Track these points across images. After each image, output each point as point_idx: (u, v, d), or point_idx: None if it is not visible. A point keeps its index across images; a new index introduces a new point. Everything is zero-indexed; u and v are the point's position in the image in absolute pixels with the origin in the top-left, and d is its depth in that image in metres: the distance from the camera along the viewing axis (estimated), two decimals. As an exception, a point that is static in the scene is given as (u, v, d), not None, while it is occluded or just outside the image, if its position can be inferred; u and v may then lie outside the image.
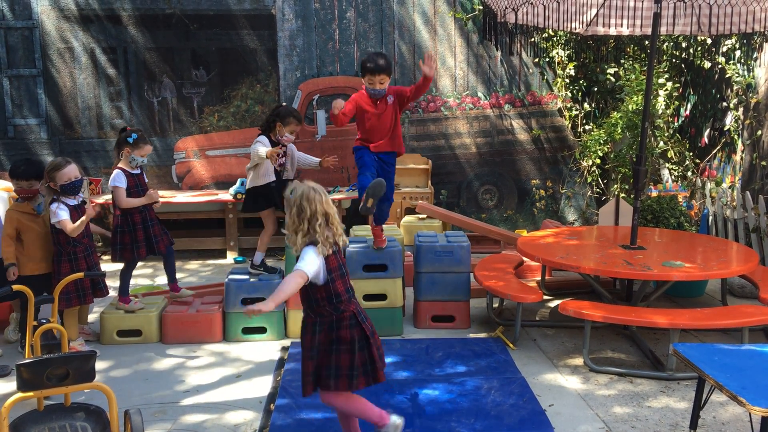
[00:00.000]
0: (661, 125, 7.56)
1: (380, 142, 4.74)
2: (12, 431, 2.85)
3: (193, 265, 7.17)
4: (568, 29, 5.93)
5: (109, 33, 7.67)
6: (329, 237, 3.03)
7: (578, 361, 4.53)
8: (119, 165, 4.86)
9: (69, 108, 7.74)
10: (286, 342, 4.89)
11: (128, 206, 4.80)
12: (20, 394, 2.77)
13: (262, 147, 4.81)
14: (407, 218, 7.26)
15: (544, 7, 5.49)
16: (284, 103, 5.17)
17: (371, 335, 3.09)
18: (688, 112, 8.22)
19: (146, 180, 5.07)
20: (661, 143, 7.56)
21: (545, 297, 5.82)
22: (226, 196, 7.42)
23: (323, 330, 3.04)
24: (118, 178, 4.78)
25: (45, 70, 7.63)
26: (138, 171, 4.93)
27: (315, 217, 3.00)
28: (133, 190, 4.84)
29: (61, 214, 4.39)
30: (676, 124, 8.16)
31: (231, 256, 7.43)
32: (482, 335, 5.01)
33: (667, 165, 7.89)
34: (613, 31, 5.89)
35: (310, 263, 2.96)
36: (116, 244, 4.85)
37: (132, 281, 6.47)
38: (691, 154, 7.98)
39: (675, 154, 7.91)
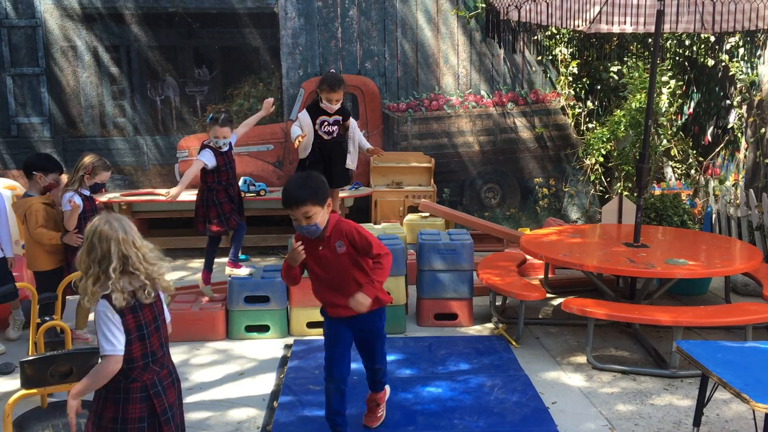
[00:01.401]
0: (665, 123, 7.55)
1: (339, 307, 3.17)
2: (16, 428, 2.86)
3: (196, 263, 7.16)
4: (571, 27, 5.92)
5: (112, 32, 7.68)
6: (126, 287, 2.41)
7: (581, 358, 4.53)
8: (205, 141, 4.94)
9: (72, 106, 7.74)
10: (289, 340, 4.90)
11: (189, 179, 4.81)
12: (24, 392, 2.78)
13: (296, 127, 4.97)
14: (410, 216, 7.26)
15: (547, 4, 5.48)
16: (332, 69, 5.12)
17: (162, 413, 2.50)
18: (691, 110, 8.20)
19: (233, 157, 5.06)
20: (665, 141, 7.55)
21: (548, 295, 5.82)
22: (228, 194, 7.40)
23: (107, 398, 2.46)
24: (203, 154, 4.82)
25: (48, 69, 7.64)
26: (226, 148, 4.94)
27: (108, 260, 2.39)
28: (222, 169, 4.89)
29: (71, 205, 4.43)
30: (679, 122, 8.14)
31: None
32: (485, 333, 5.02)
33: (670, 163, 7.88)
34: (616, 29, 5.88)
35: (115, 338, 2.38)
36: (199, 217, 4.97)
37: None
38: (694, 152, 7.96)
39: (678, 152, 7.89)
